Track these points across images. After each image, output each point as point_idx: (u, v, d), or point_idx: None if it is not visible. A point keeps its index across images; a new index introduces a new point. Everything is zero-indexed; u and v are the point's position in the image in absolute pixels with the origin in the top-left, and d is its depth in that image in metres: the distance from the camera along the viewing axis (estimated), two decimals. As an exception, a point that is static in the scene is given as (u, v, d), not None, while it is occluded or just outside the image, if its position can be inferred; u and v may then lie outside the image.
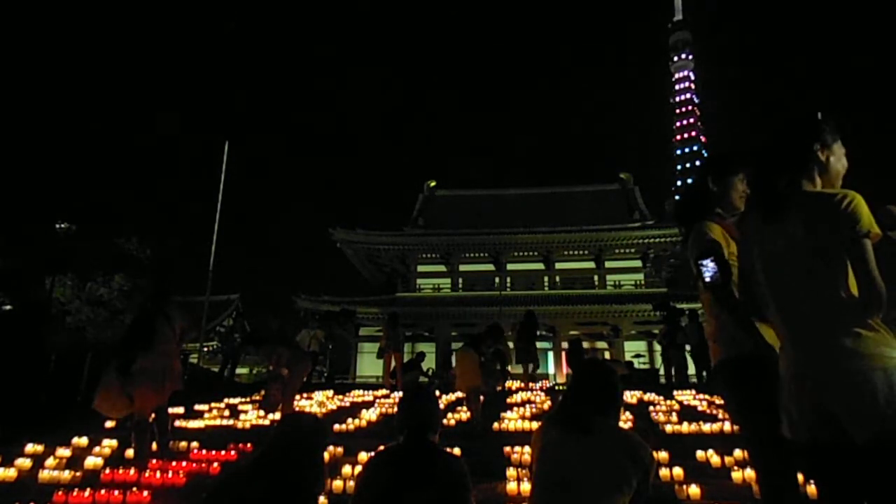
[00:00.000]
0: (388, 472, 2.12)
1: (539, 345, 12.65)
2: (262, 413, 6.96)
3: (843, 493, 1.63)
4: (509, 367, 9.97)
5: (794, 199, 1.82)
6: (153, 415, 4.64)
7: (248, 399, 8.43)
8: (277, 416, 6.48)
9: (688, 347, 11.69)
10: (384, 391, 9.75)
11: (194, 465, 4.42)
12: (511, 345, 12.47)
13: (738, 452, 4.45)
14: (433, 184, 37.12)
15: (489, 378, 6.92)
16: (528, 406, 7.54)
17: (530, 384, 10.29)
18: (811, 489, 3.60)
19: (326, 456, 4.67)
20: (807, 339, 1.72)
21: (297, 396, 8.90)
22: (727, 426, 5.62)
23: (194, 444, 5.16)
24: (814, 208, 1.76)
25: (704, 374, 10.81)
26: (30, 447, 4.97)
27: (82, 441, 5.28)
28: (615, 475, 2.01)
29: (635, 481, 2.02)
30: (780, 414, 1.82)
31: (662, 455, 4.45)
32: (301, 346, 11.63)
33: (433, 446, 2.22)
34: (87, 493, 3.68)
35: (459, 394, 9.29)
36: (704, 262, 2.13)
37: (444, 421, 6.54)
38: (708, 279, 2.11)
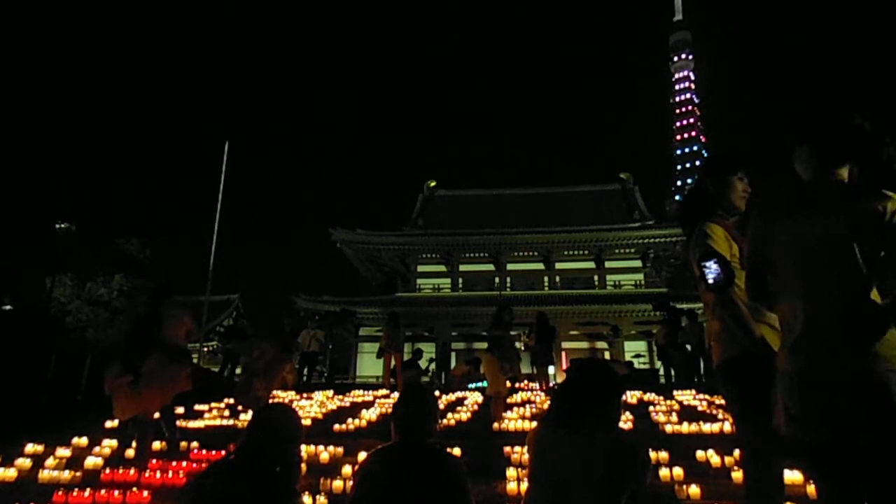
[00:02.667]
0: (385, 472, 2.11)
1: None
2: (237, 408, 6.90)
3: (844, 494, 1.63)
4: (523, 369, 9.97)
5: (836, 194, 1.79)
6: (157, 414, 4.65)
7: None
8: (249, 414, 6.48)
9: (688, 347, 11.70)
10: (384, 391, 9.75)
11: (194, 465, 4.41)
12: (520, 345, 12.46)
13: (738, 452, 4.44)
14: (433, 184, 37.12)
15: (505, 361, 6.92)
16: (528, 406, 7.54)
17: (543, 384, 10.25)
18: (811, 489, 3.62)
19: (326, 456, 4.70)
20: (828, 339, 1.69)
21: (298, 397, 8.92)
22: (727, 426, 5.61)
23: (194, 444, 5.16)
24: (863, 209, 1.71)
25: (704, 373, 10.82)
26: (30, 447, 4.97)
27: (82, 441, 5.28)
28: (611, 476, 2.00)
29: (632, 482, 2.02)
30: (780, 411, 1.81)
31: (662, 455, 4.45)
32: (301, 346, 11.59)
33: (431, 446, 2.22)
34: (87, 493, 3.68)
35: (459, 394, 9.32)
36: (707, 264, 2.13)
37: (444, 421, 6.53)
38: (711, 280, 2.12)
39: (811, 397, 1.67)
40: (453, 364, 18.94)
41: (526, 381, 10.84)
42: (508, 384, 7.46)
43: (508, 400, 8.03)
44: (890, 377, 1.56)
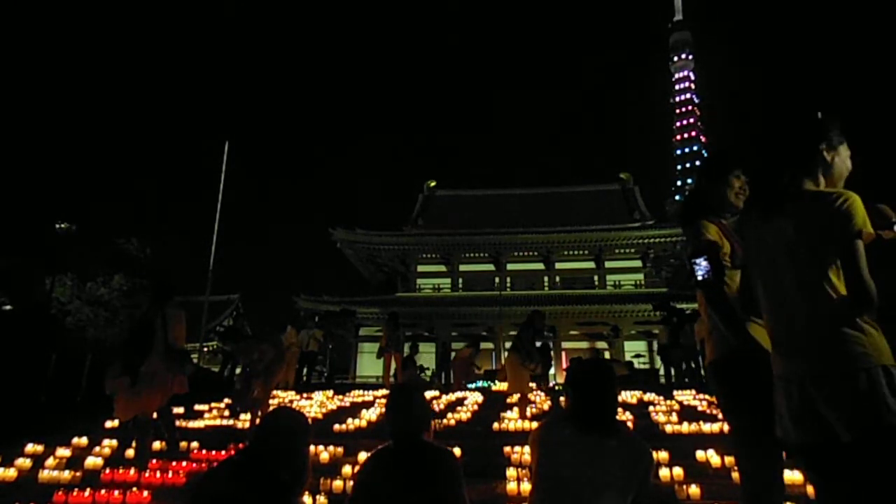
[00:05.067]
0: (381, 475, 2.12)
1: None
2: (237, 410, 6.89)
3: (836, 493, 1.64)
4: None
5: (792, 198, 1.81)
6: (155, 415, 4.65)
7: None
8: (248, 415, 6.48)
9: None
10: (384, 391, 9.75)
11: (194, 465, 4.42)
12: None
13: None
14: (433, 184, 37.16)
15: (525, 360, 7.04)
16: (528, 406, 7.53)
17: (542, 384, 10.28)
18: (811, 489, 3.62)
19: (326, 456, 4.69)
20: (795, 340, 1.72)
21: (298, 396, 8.93)
22: (727, 426, 5.61)
23: (194, 444, 5.17)
24: (808, 207, 1.75)
25: (703, 373, 10.82)
26: (30, 447, 4.98)
27: (82, 441, 5.29)
28: (624, 478, 2.01)
29: (637, 482, 2.03)
30: (773, 414, 1.82)
31: (662, 455, 4.45)
32: (300, 346, 11.58)
33: (425, 444, 2.22)
34: (87, 493, 3.69)
35: (459, 394, 9.33)
36: (697, 261, 2.14)
37: (444, 421, 6.53)
38: (700, 277, 2.13)
39: (793, 399, 1.70)
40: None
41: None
42: (533, 385, 7.56)
43: (508, 400, 8.04)
44: (859, 375, 1.58)
